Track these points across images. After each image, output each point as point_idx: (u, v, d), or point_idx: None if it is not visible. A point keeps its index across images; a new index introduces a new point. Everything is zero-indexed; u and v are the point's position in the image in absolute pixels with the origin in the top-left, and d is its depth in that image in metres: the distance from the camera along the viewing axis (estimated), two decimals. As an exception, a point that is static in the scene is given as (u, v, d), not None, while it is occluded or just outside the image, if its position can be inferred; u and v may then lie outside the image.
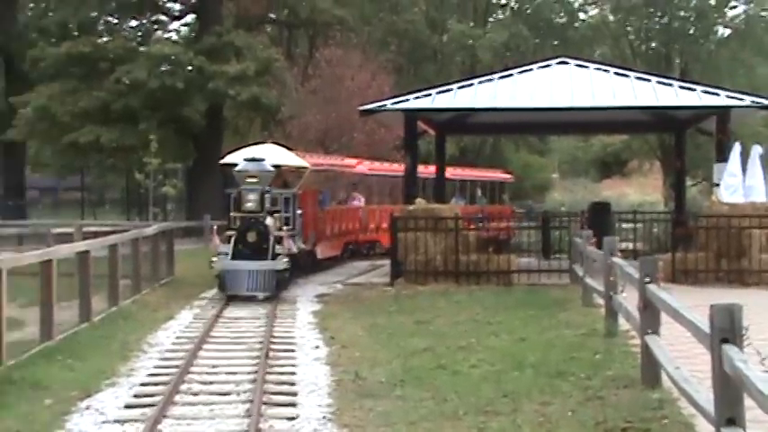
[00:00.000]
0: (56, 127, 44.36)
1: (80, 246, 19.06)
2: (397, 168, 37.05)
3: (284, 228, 23.58)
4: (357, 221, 32.93)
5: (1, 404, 11.37)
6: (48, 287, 15.64)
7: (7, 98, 49.68)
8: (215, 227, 24.52)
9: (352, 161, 34.99)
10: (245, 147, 27.19)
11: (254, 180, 22.33)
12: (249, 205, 22.19)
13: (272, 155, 24.54)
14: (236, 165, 23.32)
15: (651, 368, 11.08)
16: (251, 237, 22.00)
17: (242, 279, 21.45)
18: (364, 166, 35.61)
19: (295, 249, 23.62)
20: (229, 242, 22.27)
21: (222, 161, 27.62)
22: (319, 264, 27.88)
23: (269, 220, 22.48)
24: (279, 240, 22.41)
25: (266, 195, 22.42)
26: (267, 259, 21.73)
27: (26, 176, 59.95)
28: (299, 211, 25.22)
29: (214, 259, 22.05)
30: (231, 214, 23.20)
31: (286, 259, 22.14)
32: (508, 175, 48.75)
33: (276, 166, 23.47)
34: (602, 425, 9.76)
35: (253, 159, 22.85)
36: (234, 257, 21.79)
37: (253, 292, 21.40)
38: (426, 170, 37.58)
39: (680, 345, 11.68)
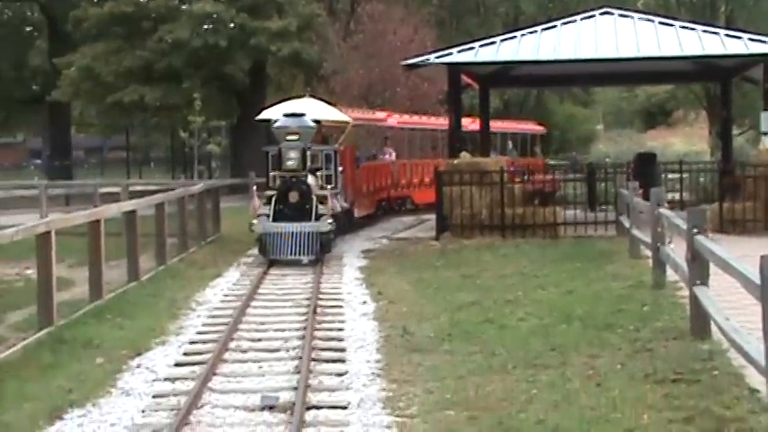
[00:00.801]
0: (100, 87, 44.56)
1: (127, 205, 19.19)
2: (428, 121, 36.73)
3: (326, 186, 22.62)
4: (389, 177, 31.93)
5: (53, 363, 11.51)
6: (96, 247, 15.76)
7: (51, 59, 49.93)
8: (255, 187, 23.29)
9: (381, 114, 34.02)
10: (282, 101, 26.64)
11: (295, 137, 21.31)
12: (290, 163, 21.16)
13: (312, 109, 23.64)
14: (273, 120, 22.58)
15: (700, 319, 11.03)
16: (293, 197, 20.98)
17: (284, 242, 20.25)
18: (394, 119, 34.44)
19: (339, 209, 22.76)
20: (270, 203, 21.23)
21: (259, 117, 26.81)
22: (356, 223, 26.92)
23: (310, 179, 21.54)
24: (321, 200, 21.28)
25: (307, 153, 21.52)
26: (310, 220, 20.63)
27: (71, 136, 60.34)
28: (339, 169, 24.18)
29: (254, 221, 20.90)
30: (270, 173, 22.39)
31: (330, 220, 20.95)
32: (540, 127, 46.68)
33: (317, 122, 22.68)
34: (652, 377, 9.73)
35: (293, 114, 21.92)
36: (275, 219, 20.78)
37: (296, 256, 20.26)
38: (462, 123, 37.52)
39: (729, 296, 11.60)
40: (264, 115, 25.85)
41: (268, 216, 20.90)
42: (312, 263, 20.16)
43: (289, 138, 21.32)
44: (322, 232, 20.52)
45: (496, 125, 40.34)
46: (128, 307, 15.27)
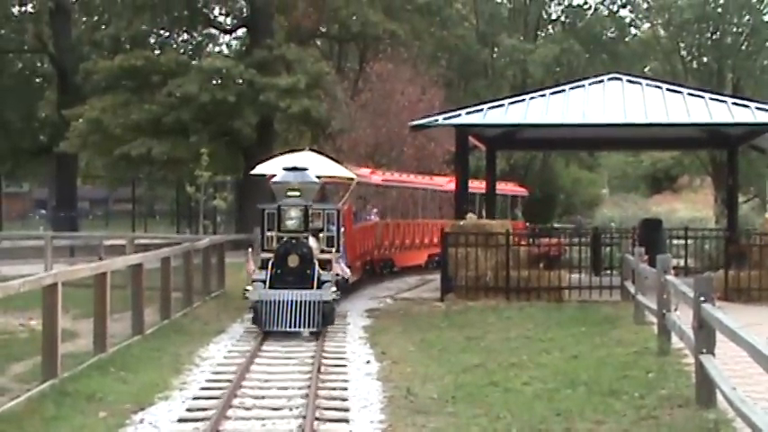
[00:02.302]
0: (108, 139, 44.70)
1: (134, 258, 19.20)
2: (413, 180, 35.57)
3: (328, 250, 20.69)
4: (373, 239, 29.84)
5: (56, 416, 11.47)
6: (102, 300, 15.75)
7: (60, 111, 50.17)
8: (250, 249, 21.04)
9: (365, 170, 31.36)
10: (279, 155, 25.39)
11: (297, 193, 19.37)
12: (291, 223, 19.13)
13: (313, 164, 21.90)
14: (269, 175, 21.10)
15: (706, 388, 10.99)
16: (292, 261, 18.88)
17: (282, 312, 18.14)
18: (378, 176, 32.14)
19: (343, 274, 20.67)
20: (266, 267, 19.12)
21: (255, 171, 25.44)
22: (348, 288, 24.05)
23: (312, 242, 19.55)
24: (323, 264, 19.43)
25: (309, 211, 19.50)
26: (312, 288, 18.55)
27: (77, 188, 60.46)
28: (342, 230, 22.03)
29: (248, 288, 18.77)
30: (267, 234, 20.26)
31: (334, 288, 18.84)
32: (522, 189, 45.66)
33: (319, 177, 20.98)
34: (657, 445, 9.70)
35: (294, 169, 20.00)
36: (272, 285, 18.65)
37: (295, 328, 18.07)
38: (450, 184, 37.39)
39: (735, 365, 11.61)
40: (261, 169, 24.55)
41: (264, 282, 18.76)
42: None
43: (289, 194, 19.45)
44: (325, 301, 18.36)
45: (474, 186, 38.92)
46: (131, 361, 15.23)
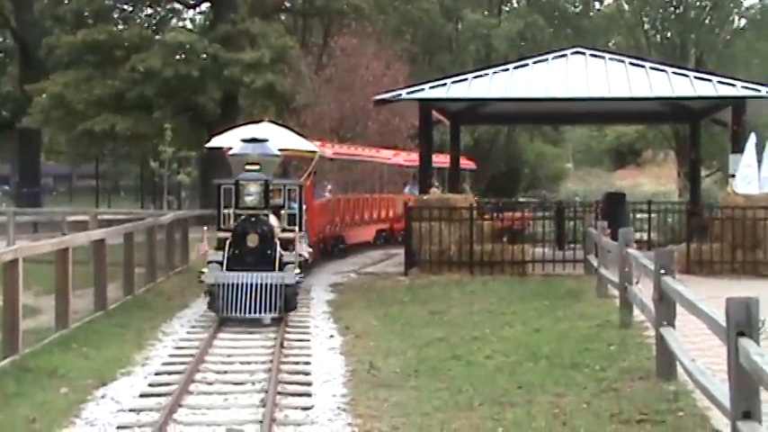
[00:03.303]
0: (71, 115, 44.43)
1: (96, 234, 19.09)
2: (362, 153, 34.05)
3: (290, 228, 19.36)
4: (327, 216, 28.40)
5: (17, 392, 11.43)
6: (64, 276, 15.68)
7: (22, 86, 49.78)
8: (205, 227, 19.37)
9: (316, 143, 27.76)
10: (236, 127, 24.40)
11: (256, 167, 17.83)
12: (250, 199, 17.60)
13: (274, 136, 20.47)
14: (222, 149, 19.92)
15: (666, 360, 11.08)
16: (251, 240, 17.43)
17: (241, 296, 16.64)
18: (329, 149, 29.85)
19: (306, 255, 19.49)
20: (222, 247, 17.66)
21: (209, 144, 24.42)
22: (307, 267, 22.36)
23: (272, 219, 18.22)
24: (285, 244, 18.00)
25: (270, 187, 18.02)
26: (273, 269, 17.12)
27: (41, 164, 60.08)
28: (304, 207, 20.89)
29: (204, 270, 17.28)
30: (224, 211, 18.89)
31: (297, 270, 17.52)
32: (470, 162, 42.41)
33: (282, 150, 19.64)
34: (617, 417, 9.77)
35: (253, 140, 18.51)
36: (230, 267, 17.14)
37: (255, 314, 16.61)
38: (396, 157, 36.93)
39: (695, 337, 11.70)
40: (218, 142, 23.48)
41: (221, 263, 17.25)
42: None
43: (248, 168, 17.87)
44: (287, 284, 16.89)
45: (413, 159, 36.45)
46: (94, 337, 15.19)
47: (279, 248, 17.50)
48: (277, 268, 17.17)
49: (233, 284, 16.72)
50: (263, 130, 21.65)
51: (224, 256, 17.36)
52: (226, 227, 18.51)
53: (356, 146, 35.91)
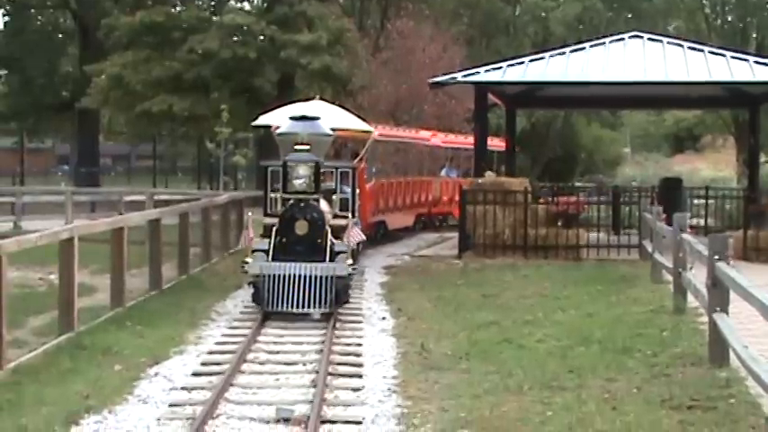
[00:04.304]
0: (129, 95, 44.80)
1: (151, 214, 19.28)
2: (403, 134, 32.33)
3: (342, 214, 18.08)
4: (372, 200, 26.41)
5: (72, 369, 11.60)
6: (119, 255, 15.86)
7: (82, 67, 50.24)
8: (250, 214, 17.78)
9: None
10: (286, 104, 23.08)
11: (306, 147, 16.29)
12: (299, 183, 16.07)
13: (325, 114, 18.93)
14: (274, 126, 18.65)
15: (719, 346, 10.99)
16: (300, 228, 15.98)
17: (288, 289, 15.28)
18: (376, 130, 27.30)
19: (359, 244, 18.12)
20: (269, 235, 16.32)
21: (256, 122, 23.46)
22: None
23: (323, 205, 16.81)
24: (336, 232, 16.64)
25: (321, 169, 16.55)
26: (324, 260, 15.70)
27: (99, 144, 60.65)
28: (357, 192, 19.79)
29: (248, 260, 15.83)
30: (271, 195, 17.98)
31: (350, 260, 15.96)
32: (500, 144, 38.03)
33: (333, 130, 18.07)
34: (668, 402, 9.72)
35: (303, 118, 17.09)
36: (276, 257, 15.77)
37: (303, 309, 15.24)
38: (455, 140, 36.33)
39: (749, 323, 11.61)
40: (264, 120, 22.54)
41: (267, 252, 15.86)
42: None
43: (297, 148, 16.35)
44: (339, 276, 15.49)
45: (459, 141, 37.20)
46: (148, 315, 15.34)
47: (330, 236, 16.12)
48: (328, 258, 15.73)
49: (279, 276, 15.35)
50: (315, 107, 20.39)
51: (270, 244, 15.96)
52: (273, 212, 17.53)
53: (398, 126, 34.76)
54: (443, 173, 34.92)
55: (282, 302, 15.20)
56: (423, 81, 34.91)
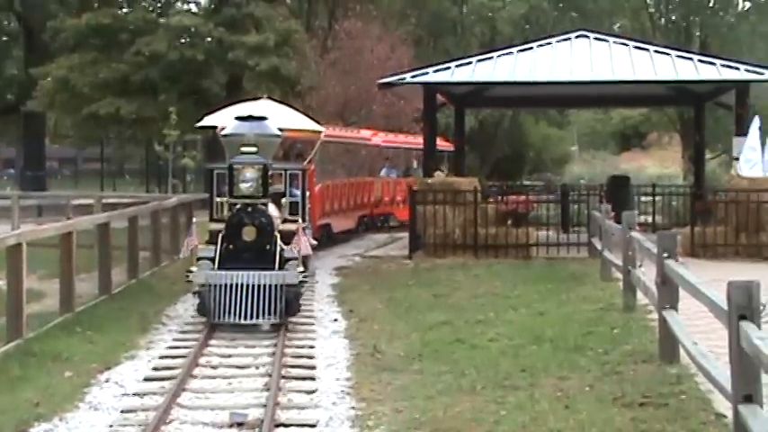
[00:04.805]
0: (75, 98, 44.45)
1: (100, 218, 19.14)
2: (346, 134, 31.53)
3: (292, 219, 17.36)
4: (319, 203, 25.44)
5: (21, 376, 11.48)
6: (68, 260, 15.72)
7: (27, 69, 49.79)
8: (194, 219, 17.18)
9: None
10: (232, 104, 22.34)
11: (253, 149, 15.57)
12: (246, 186, 15.30)
13: (273, 114, 18.22)
14: (220, 127, 17.89)
15: (669, 343, 11.09)
16: (248, 234, 15.20)
17: (235, 299, 14.43)
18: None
19: (310, 250, 16.85)
20: (215, 242, 15.44)
21: (200, 123, 22.68)
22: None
23: (272, 209, 16.10)
24: (286, 238, 15.73)
25: (269, 172, 15.74)
26: (273, 268, 14.88)
27: (46, 147, 60.12)
28: (308, 194, 19.05)
29: (193, 269, 15.00)
30: (216, 200, 17.18)
31: (301, 267, 15.19)
32: (448, 144, 37.71)
33: (281, 130, 17.20)
34: (620, 400, 9.79)
35: (250, 118, 16.31)
36: (222, 266, 14.91)
37: (251, 320, 14.42)
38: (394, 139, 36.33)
39: (698, 320, 11.71)
40: (209, 121, 21.67)
41: (212, 260, 15.02)
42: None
43: (244, 150, 15.60)
44: (289, 285, 14.64)
45: (399, 140, 37.11)
46: (98, 321, 15.21)
47: (280, 243, 15.31)
48: (277, 266, 14.95)
49: (226, 285, 14.49)
50: (262, 107, 19.62)
51: (216, 251, 15.11)
52: (219, 217, 16.70)
53: (345, 127, 34.46)
54: (383, 173, 34.61)
55: (229, 313, 14.37)
56: (371, 82, 34.97)
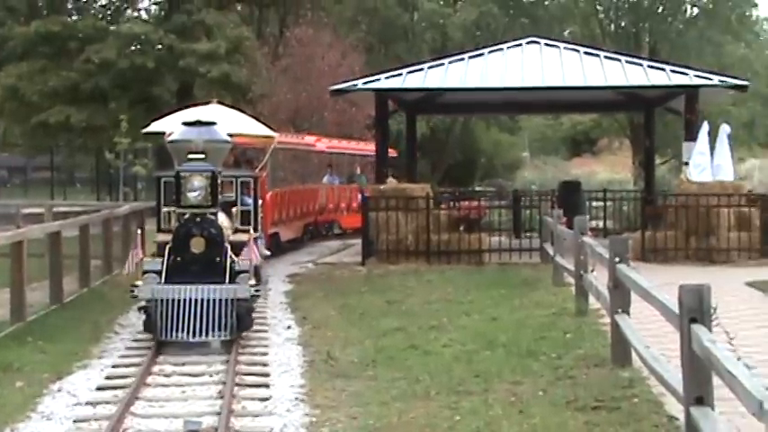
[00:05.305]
0: (25, 107, 44.11)
1: (51, 226, 19.01)
2: (293, 140, 30.94)
3: (244, 229, 16.66)
4: (267, 212, 23.74)
5: (-27, 387, 11.37)
6: (18, 269, 15.60)
7: (-25, 78, 49.31)
8: (138, 230, 16.94)
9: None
10: (181, 109, 21.82)
11: (201, 156, 14.79)
12: (193, 195, 14.43)
13: (223, 119, 17.53)
14: (167, 133, 17.17)
15: (621, 347, 11.17)
16: (196, 245, 14.34)
17: (183, 315, 13.66)
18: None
19: (260, 261, 16.37)
20: (161, 254, 14.64)
21: (147, 129, 21.99)
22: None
23: (222, 219, 15.35)
24: (237, 249, 15.01)
25: (219, 180, 14.86)
26: (223, 281, 14.11)
27: (-5, 156, 59.66)
28: (260, 203, 18.23)
29: (138, 283, 14.19)
30: (163, 209, 16.17)
31: (252, 280, 14.40)
32: (392, 151, 34.40)
33: (231, 136, 16.55)
34: (573, 403, 9.84)
35: (198, 123, 15.52)
36: (170, 280, 14.08)
37: (200, 337, 13.64)
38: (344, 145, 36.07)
39: (650, 324, 11.79)
40: (156, 127, 20.91)
41: (159, 274, 14.20)
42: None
43: (191, 157, 14.83)
44: (240, 299, 13.92)
45: (342, 146, 36.61)
46: (50, 330, 15.11)
47: (230, 254, 14.51)
48: (228, 279, 14.17)
49: (173, 300, 13.74)
50: (211, 112, 18.75)
51: (163, 264, 14.30)
52: (167, 228, 15.75)
53: (287, 133, 33.01)
54: (325, 179, 33.77)
55: (177, 330, 13.59)
56: (323, 89, 34.94)
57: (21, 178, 78.14)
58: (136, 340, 14.61)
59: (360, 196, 32.40)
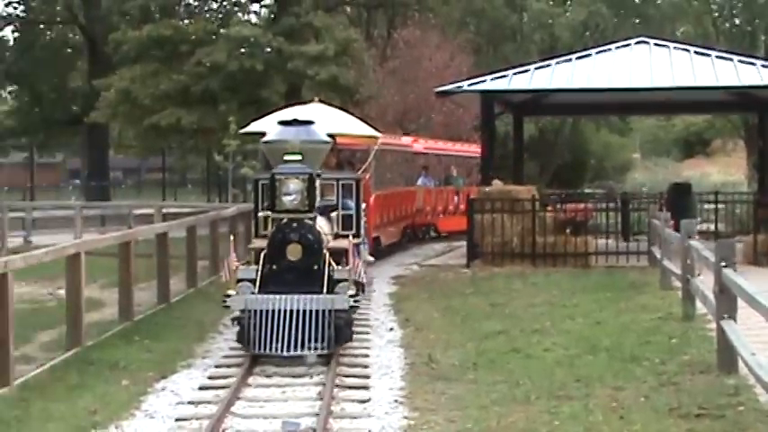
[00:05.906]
0: (137, 109, 44.79)
1: (159, 227, 19.30)
2: (391, 141, 30.06)
3: (345, 235, 15.58)
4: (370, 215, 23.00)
5: (79, 384, 11.61)
6: (126, 269, 15.88)
7: (91, 81, 50.35)
8: (232, 237, 15.96)
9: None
10: (283, 108, 20.90)
11: (297, 157, 14.04)
12: (289, 200, 13.66)
13: (323, 118, 16.62)
14: (264, 134, 15.95)
15: (727, 354, 10.96)
16: (293, 253, 13.58)
17: (278, 327, 12.91)
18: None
19: (364, 272, 15.11)
20: (257, 262, 13.89)
21: (245, 129, 21.34)
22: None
23: (321, 223, 14.54)
24: (337, 256, 14.07)
25: (317, 183, 14.06)
26: (321, 291, 13.31)
27: (109, 158, 60.82)
28: (363, 207, 17.00)
29: (231, 292, 13.44)
30: (259, 214, 15.44)
31: (352, 290, 13.50)
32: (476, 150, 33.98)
33: (332, 136, 15.62)
34: (676, 411, 9.69)
35: (294, 122, 14.70)
36: (264, 289, 13.38)
37: (296, 351, 12.83)
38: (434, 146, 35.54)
39: (758, 330, 11.56)
40: (253, 127, 20.15)
41: (253, 283, 13.49)
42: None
43: (288, 158, 14.11)
44: (338, 310, 13.12)
45: (438, 146, 36.09)
46: (156, 329, 15.35)
47: (329, 262, 13.68)
48: (326, 289, 13.37)
49: (267, 311, 13.01)
50: (312, 111, 17.79)
51: (257, 272, 13.57)
52: (263, 234, 15.00)
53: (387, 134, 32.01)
54: (420, 182, 32.86)
55: (272, 343, 12.83)
56: (430, 90, 34.80)
57: (134, 179, 79.77)
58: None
59: (455, 198, 32.50)
